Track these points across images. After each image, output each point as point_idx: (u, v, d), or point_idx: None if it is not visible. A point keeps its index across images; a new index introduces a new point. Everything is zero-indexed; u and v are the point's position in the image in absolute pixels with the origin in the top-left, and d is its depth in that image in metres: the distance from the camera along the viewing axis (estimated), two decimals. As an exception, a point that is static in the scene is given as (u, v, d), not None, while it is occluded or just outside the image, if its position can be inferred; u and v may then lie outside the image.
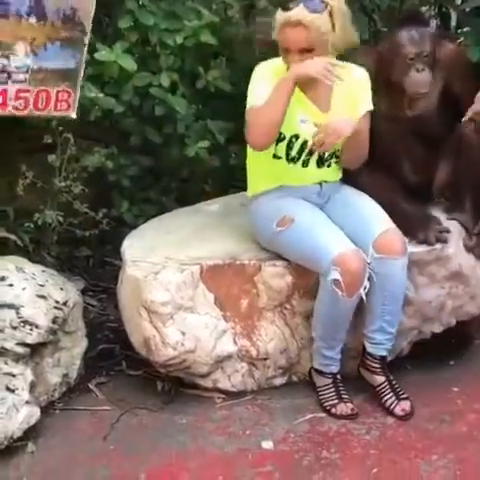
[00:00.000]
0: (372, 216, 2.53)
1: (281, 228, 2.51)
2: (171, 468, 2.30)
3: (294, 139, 2.53)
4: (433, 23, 3.61)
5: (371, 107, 2.57)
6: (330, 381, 2.55)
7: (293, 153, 2.54)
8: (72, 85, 2.45)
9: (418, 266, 2.61)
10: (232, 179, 2.77)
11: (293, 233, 2.50)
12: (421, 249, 2.62)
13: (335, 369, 2.55)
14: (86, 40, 2.42)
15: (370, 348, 2.53)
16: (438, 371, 2.63)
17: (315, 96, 2.54)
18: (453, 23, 3.55)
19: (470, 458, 2.30)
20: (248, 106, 2.49)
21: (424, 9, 3.61)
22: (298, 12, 2.40)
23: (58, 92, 2.43)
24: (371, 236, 2.46)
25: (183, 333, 2.53)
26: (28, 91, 2.39)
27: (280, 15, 2.44)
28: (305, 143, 2.52)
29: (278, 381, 2.67)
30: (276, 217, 2.53)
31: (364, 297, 2.43)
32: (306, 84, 2.49)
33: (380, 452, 2.33)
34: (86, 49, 2.44)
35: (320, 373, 2.57)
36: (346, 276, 2.37)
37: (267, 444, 2.39)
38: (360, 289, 2.41)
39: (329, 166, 2.59)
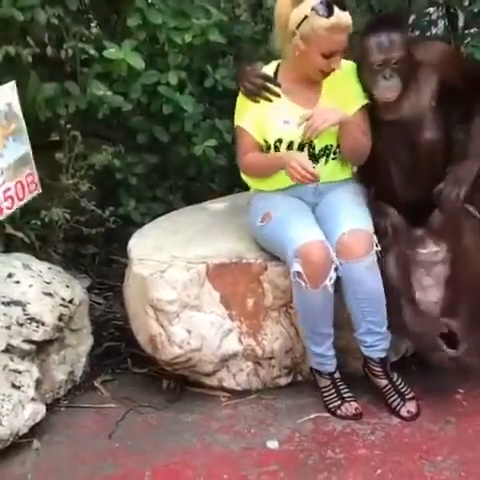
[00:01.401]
0: (342, 217, 2.48)
1: (262, 223, 2.56)
2: (176, 466, 2.30)
3: (278, 144, 2.56)
4: (441, 24, 3.62)
5: (365, 101, 2.56)
6: (329, 382, 2.54)
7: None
8: (31, 167, 2.65)
9: (424, 267, 2.61)
10: (238, 178, 2.77)
11: (269, 227, 2.53)
12: (427, 250, 2.62)
13: (330, 368, 2.53)
14: (24, 124, 2.60)
15: (366, 352, 2.51)
16: (443, 372, 2.62)
17: (300, 96, 2.57)
18: (461, 24, 3.54)
19: (475, 460, 2.29)
20: (235, 123, 2.62)
21: (432, 10, 3.61)
22: (342, 15, 2.40)
23: (26, 177, 2.63)
24: (333, 239, 2.43)
25: (189, 331, 2.53)
26: (10, 189, 2.58)
27: (323, 20, 2.39)
28: (291, 144, 2.54)
29: (283, 380, 2.67)
30: (261, 213, 2.57)
31: (331, 290, 2.39)
32: (292, 89, 2.55)
33: (385, 453, 2.33)
34: (26, 132, 2.61)
35: (318, 373, 2.56)
36: (307, 267, 2.35)
37: (272, 443, 2.39)
38: (326, 280, 2.37)
39: (327, 164, 2.58)
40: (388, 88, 2.48)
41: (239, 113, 2.62)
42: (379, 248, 2.45)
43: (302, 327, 2.51)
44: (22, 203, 2.63)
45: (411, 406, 2.49)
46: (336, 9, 2.39)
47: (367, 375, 2.56)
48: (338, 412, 2.50)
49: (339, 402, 2.51)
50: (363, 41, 2.49)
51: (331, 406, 2.52)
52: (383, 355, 2.51)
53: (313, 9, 2.40)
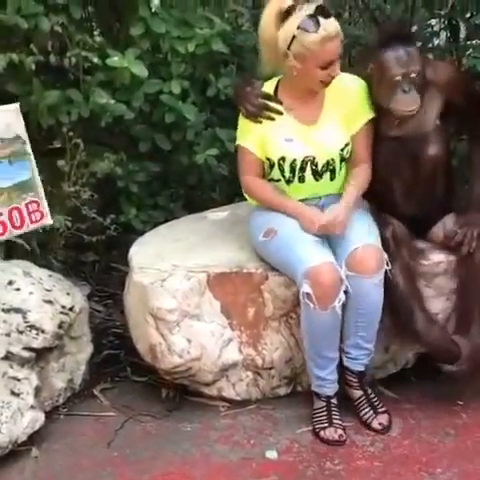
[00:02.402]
0: (353, 231, 2.49)
1: (265, 238, 2.55)
2: (175, 476, 2.30)
3: (282, 162, 2.57)
4: (443, 35, 3.63)
5: (371, 115, 2.58)
6: (324, 404, 2.51)
7: (287, 175, 2.58)
8: (36, 194, 2.50)
9: (425, 278, 2.61)
10: (239, 187, 2.78)
11: (274, 244, 2.52)
12: (428, 262, 2.62)
13: (329, 392, 2.51)
14: (29, 149, 2.48)
15: (347, 362, 2.51)
16: (443, 384, 2.62)
17: (302, 112, 2.57)
18: (462, 35, 3.55)
19: (474, 472, 2.29)
20: (237, 143, 2.65)
21: (434, 21, 3.62)
22: (328, 24, 2.40)
23: (27, 205, 2.48)
24: (345, 253, 2.44)
25: (189, 341, 2.53)
26: (1, 214, 2.46)
27: (312, 36, 2.39)
28: (294, 162, 2.55)
29: (282, 391, 2.67)
30: (263, 228, 2.57)
31: (339, 311, 2.40)
32: (294, 106, 2.56)
33: (384, 464, 2.33)
34: (32, 157, 2.49)
35: (316, 395, 2.54)
36: (317, 289, 2.36)
37: (271, 454, 2.39)
38: (334, 302, 2.38)
39: (333, 179, 2.59)
40: (408, 101, 2.48)
41: (241, 133, 2.63)
42: (390, 267, 2.46)
43: (307, 349, 2.49)
44: (20, 232, 2.50)
45: (383, 419, 2.50)
46: (321, 20, 2.40)
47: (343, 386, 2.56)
48: (321, 433, 2.46)
49: (325, 425, 2.48)
50: (379, 55, 2.48)
51: (317, 426, 2.48)
52: (362, 369, 2.53)
53: (299, 27, 2.40)
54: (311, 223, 2.48)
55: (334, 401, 2.52)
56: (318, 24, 2.39)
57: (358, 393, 2.53)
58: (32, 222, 2.50)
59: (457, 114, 2.61)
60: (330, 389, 2.51)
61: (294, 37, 2.42)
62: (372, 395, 2.55)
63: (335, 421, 2.49)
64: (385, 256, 2.46)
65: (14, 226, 2.46)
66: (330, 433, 2.45)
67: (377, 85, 2.53)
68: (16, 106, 2.42)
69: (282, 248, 2.49)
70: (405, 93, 2.47)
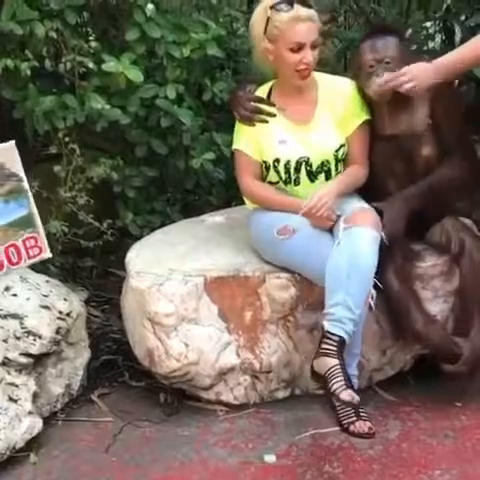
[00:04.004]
0: (354, 206, 2.54)
1: (283, 236, 2.54)
2: (173, 480, 2.30)
3: (276, 163, 2.59)
4: (438, 38, 3.64)
5: (365, 117, 2.59)
6: None
7: (283, 176, 2.59)
8: (35, 230, 2.47)
9: (422, 280, 2.61)
10: (236, 191, 2.79)
11: (293, 244, 2.52)
12: (424, 264, 2.62)
13: (353, 386, 2.48)
14: (26, 185, 2.45)
15: (327, 325, 2.40)
16: (441, 386, 2.62)
17: (295, 112, 2.59)
18: (457, 38, 3.56)
19: (473, 474, 2.28)
20: (233, 147, 2.67)
21: (429, 24, 3.63)
22: (302, 9, 2.47)
23: (24, 241, 2.45)
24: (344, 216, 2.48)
25: (186, 345, 2.53)
26: None
27: (282, 15, 2.47)
28: (288, 163, 2.57)
29: (281, 394, 2.67)
30: (277, 225, 2.56)
31: (373, 306, 2.43)
32: (287, 106, 2.58)
33: (383, 467, 2.32)
34: (30, 193, 2.47)
35: None
36: None
37: (269, 457, 2.38)
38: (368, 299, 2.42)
39: (328, 179, 2.60)
40: (379, 81, 2.49)
41: (237, 136, 2.66)
42: (385, 238, 2.45)
43: None
44: (17, 267, 2.46)
45: (354, 393, 2.40)
46: (296, 4, 2.46)
47: (315, 367, 2.46)
48: (351, 428, 2.45)
49: (354, 418, 2.46)
50: (359, 47, 2.55)
51: (345, 422, 2.47)
52: (343, 335, 2.40)
53: (272, 7, 2.48)
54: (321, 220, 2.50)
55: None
56: (291, 6, 2.45)
57: (333, 361, 2.40)
58: (30, 257, 2.47)
59: (435, 121, 2.58)
60: (354, 384, 2.49)
61: (268, 19, 2.50)
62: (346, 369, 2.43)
63: (362, 414, 2.48)
64: (381, 225, 2.46)
65: (11, 262, 2.43)
66: (360, 426, 2.44)
67: (356, 73, 2.57)
68: (11, 144, 2.40)
69: (302, 249, 2.49)
70: (377, 77, 2.50)
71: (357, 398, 2.40)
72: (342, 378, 2.40)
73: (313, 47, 2.50)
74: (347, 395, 2.39)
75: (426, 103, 2.56)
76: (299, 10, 2.47)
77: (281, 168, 2.58)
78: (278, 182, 2.62)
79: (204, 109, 3.21)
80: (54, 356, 2.58)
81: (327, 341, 2.42)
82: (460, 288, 2.60)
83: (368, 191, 2.63)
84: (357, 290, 2.41)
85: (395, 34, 2.55)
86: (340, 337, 2.40)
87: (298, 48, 2.48)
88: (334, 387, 2.40)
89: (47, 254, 2.52)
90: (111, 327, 3.06)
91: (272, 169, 2.60)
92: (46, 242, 2.51)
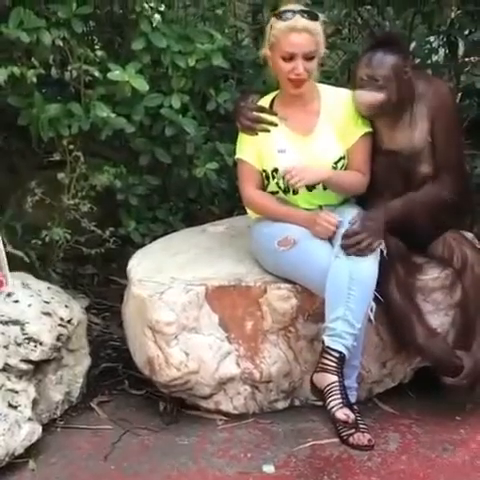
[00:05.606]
0: (347, 217, 2.53)
1: (284, 248, 2.54)
2: (171, 489, 2.29)
3: (275, 173, 2.60)
4: (441, 52, 3.65)
5: (366, 130, 2.60)
6: None
7: (282, 185, 2.61)
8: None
9: (423, 293, 2.61)
10: (239, 201, 2.79)
11: (294, 255, 2.52)
12: (425, 276, 2.63)
13: (352, 399, 2.49)
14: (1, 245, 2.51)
15: (327, 340, 2.39)
16: (441, 399, 2.62)
17: (296, 122, 2.60)
18: (461, 52, 3.58)
19: (472, 488, 2.29)
20: (236, 156, 2.69)
21: (432, 38, 3.65)
22: (300, 19, 2.48)
23: None
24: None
25: (187, 354, 2.53)
26: None
27: (281, 23, 2.50)
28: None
29: (280, 405, 2.67)
30: (278, 236, 2.56)
31: (372, 319, 2.44)
32: (289, 116, 2.59)
33: (382, 479, 2.32)
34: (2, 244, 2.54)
35: None
36: None
37: (268, 468, 2.38)
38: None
39: (326, 188, 2.60)
40: (365, 95, 2.51)
41: (240, 146, 2.68)
42: (385, 250, 2.45)
43: None
44: None
45: (350, 411, 2.38)
46: (298, 16, 2.48)
47: (314, 381, 2.44)
48: (350, 439, 2.45)
49: (353, 430, 2.45)
50: (360, 57, 2.57)
51: (344, 433, 2.47)
52: (343, 350, 2.38)
53: (276, 15, 2.52)
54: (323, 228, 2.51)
55: (356, 407, 2.50)
56: (292, 15, 2.48)
57: (332, 378, 2.37)
58: None
59: (434, 138, 2.57)
60: (353, 396, 2.50)
61: (271, 26, 2.54)
62: (346, 386, 2.42)
63: (361, 426, 2.48)
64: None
65: None
66: (359, 438, 2.44)
67: (353, 84, 2.59)
68: None
69: (303, 260, 2.49)
70: (365, 90, 2.52)
71: (353, 417, 2.35)
72: (339, 396, 2.37)
73: (308, 58, 2.50)
74: (342, 414, 2.35)
75: (426, 120, 2.57)
76: (298, 20, 2.48)
77: (279, 178, 2.59)
78: (277, 192, 2.63)
79: (208, 119, 3.22)
80: (54, 363, 2.58)
81: (327, 356, 2.41)
82: (462, 301, 2.60)
83: (365, 202, 2.64)
84: (358, 304, 2.40)
85: (397, 48, 2.54)
86: (340, 353, 2.39)
87: (289, 57, 2.50)
88: (330, 405, 2.38)
89: (8, 289, 2.54)
90: (111, 335, 3.06)
91: (271, 178, 2.61)
92: (9, 274, 2.55)
